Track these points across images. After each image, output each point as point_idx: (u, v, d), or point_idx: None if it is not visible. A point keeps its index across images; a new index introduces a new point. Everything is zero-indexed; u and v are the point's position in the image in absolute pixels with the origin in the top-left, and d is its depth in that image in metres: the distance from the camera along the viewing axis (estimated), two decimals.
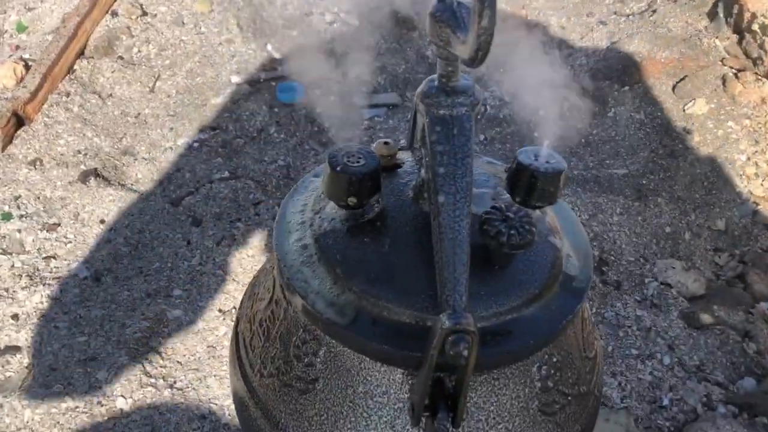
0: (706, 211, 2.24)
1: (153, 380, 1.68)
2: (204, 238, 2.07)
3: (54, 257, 1.98)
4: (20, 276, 1.92)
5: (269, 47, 2.93)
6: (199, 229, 2.10)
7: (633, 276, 2.02)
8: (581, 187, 2.26)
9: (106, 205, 2.15)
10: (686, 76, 2.52)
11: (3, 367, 1.72)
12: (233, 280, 1.93)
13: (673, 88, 2.51)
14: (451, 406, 0.72)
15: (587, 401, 0.91)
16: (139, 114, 2.56)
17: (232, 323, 0.99)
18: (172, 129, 2.48)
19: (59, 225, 2.09)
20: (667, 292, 1.97)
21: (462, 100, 0.76)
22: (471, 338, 0.67)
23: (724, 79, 2.49)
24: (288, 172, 2.33)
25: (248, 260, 1.99)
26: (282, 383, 0.85)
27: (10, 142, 2.36)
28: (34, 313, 1.82)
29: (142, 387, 1.67)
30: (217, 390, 1.68)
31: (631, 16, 2.88)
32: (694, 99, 2.45)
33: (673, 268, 2.03)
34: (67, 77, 2.65)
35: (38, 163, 2.28)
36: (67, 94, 2.57)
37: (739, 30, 2.57)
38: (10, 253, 2.00)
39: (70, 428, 1.60)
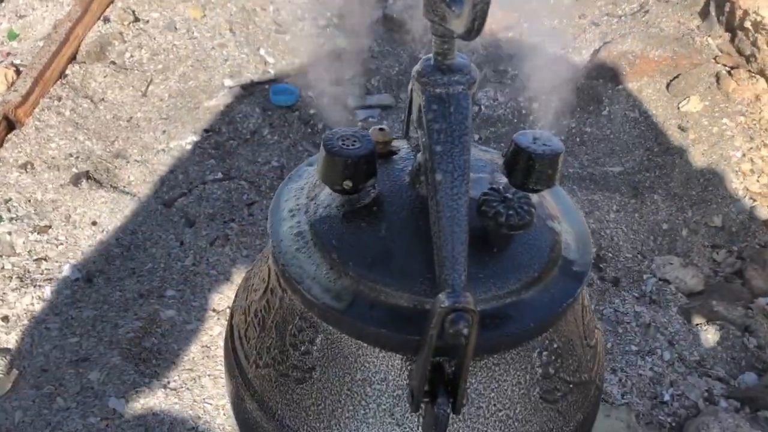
0: (703, 207, 2.23)
1: (146, 380, 1.66)
2: (197, 238, 2.05)
3: (45, 259, 1.95)
4: (10, 278, 1.90)
5: (262, 51, 2.92)
6: (192, 229, 2.08)
7: (631, 272, 2.01)
8: (577, 185, 2.26)
9: (98, 207, 2.13)
10: (680, 74, 2.52)
11: None
12: (227, 280, 1.91)
13: (667, 86, 2.51)
14: (451, 392, 0.70)
15: (589, 390, 0.89)
16: (131, 118, 2.54)
17: (227, 322, 0.97)
18: (164, 132, 2.47)
19: (50, 227, 2.06)
20: (665, 288, 1.95)
21: (458, 78, 0.75)
22: (471, 317, 0.65)
23: (717, 77, 2.50)
24: (282, 173, 2.32)
25: (242, 260, 1.97)
26: (278, 373, 0.83)
27: (1, 145, 2.34)
28: (24, 315, 1.80)
29: (135, 387, 1.64)
30: (212, 390, 1.66)
31: (623, 17, 2.89)
32: (688, 97, 2.45)
33: (671, 264, 2.02)
34: (58, 82, 2.63)
35: (29, 166, 2.26)
36: (59, 99, 2.55)
37: (732, 28, 2.58)
38: (1, 256, 1.98)
39: (61, 430, 1.57)
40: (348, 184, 0.78)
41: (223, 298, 1.87)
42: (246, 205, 2.16)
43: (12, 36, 2.92)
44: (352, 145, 0.78)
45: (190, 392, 1.64)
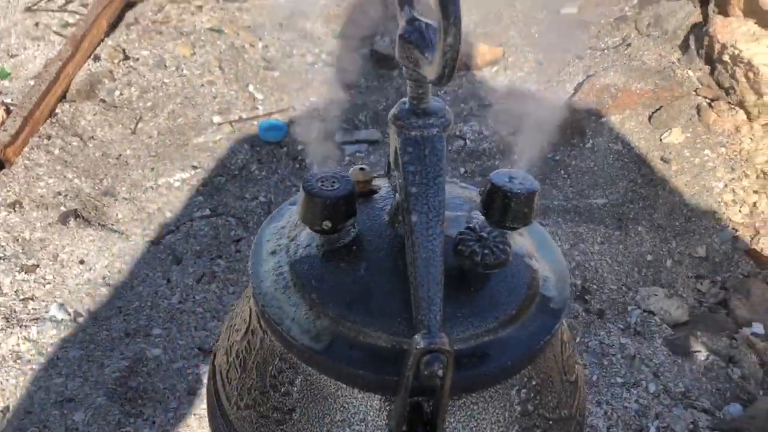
0: (687, 238, 2.25)
1: (132, 420, 1.65)
2: (184, 275, 2.05)
3: (32, 299, 1.95)
4: None
5: (251, 88, 2.95)
6: (180, 267, 2.08)
7: (616, 304, 2.02)
8: (562, 217, 2.28)
9: (86, 245, 2.14)
10: (661, 106, 2.57)
11: None
12: (213, 317, 1.91)
13: (649, 118, 2.55)
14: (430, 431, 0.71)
15: (569, 426, 0.89)
16: (120, 155, 2.56)
17: (210, 362, 0.97)
18: (153, 169, 2.48)
19: (38, 266, 2.06)
20: (650, 320, 1.96)
21: (433, 121, 0.77)
22: (446, 358, 0.66)
23: (698, 109, 2.54)
24: (269, 209, 2.33)
25: (229, 297, 1.97)
26: (259, 415, 0.84)
27: None
28: (9, 356, 1.79)
29: (120, 428, 1.63)
30: (197, 429, 1.65)
31: (606, 50, 2.95)
32: (670, 129, 2.49)
33: (656, 295, 2.04)
34: (48, 120, 2.65)
35: (18, 205, 2.27)
36: (48, 137, 2.57)
37: (711, 61, 2.63)
38: None
39: None
40: (327, 224, 0.79)
41: (209, 335, 1.87)
42: (233, 241, 2.17)
43: (3, 75, 2.95)
44: (331, 186, 0.79)
45: None
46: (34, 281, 2.01)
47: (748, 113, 2.46)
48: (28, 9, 3.34)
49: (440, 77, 0.67)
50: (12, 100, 2.75)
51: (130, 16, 3.30)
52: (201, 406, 1.70)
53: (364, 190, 0.91)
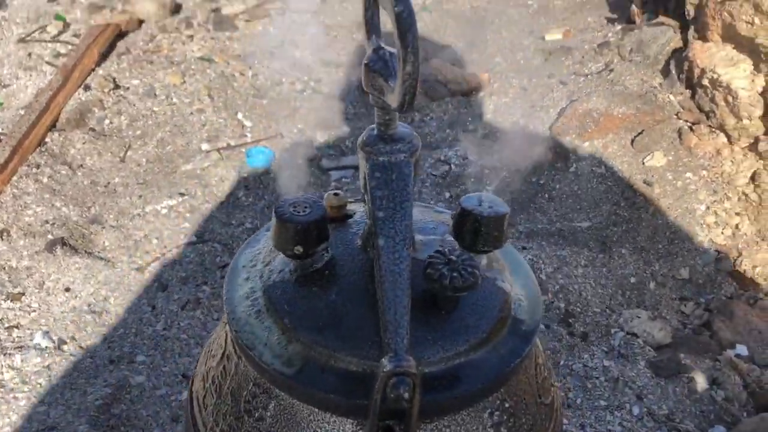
0: (670, 260, 2.27)
1: None
2: (169, 302, 2.06)
3: (17, 327, 1.95)
4: None
5: (239, 115, 2.98)
6: (165, 293, 2.09)
7: (599, 327, 2.03)
8: (545, 240, 2.29)
9: (72, 273, 2.14)
10: (644, 130, 2.59)
11: None
12: (198, 344, 1.91)
13: (632, 142, 2.58)
14: None
15: None
16: (108, 183, 2.58)
17: (188, 389, 0.97)
18: (141, 197, 2.50)
19: (24, 294, 2.07)
20: (633, 342, 1.97)
21: (400, 147, 0.79)
22: (412, 380, 0.67)
23: (679, 133, 2.57)
24: None
25: (213, 323, 1.98)
26: None
27: None
28: None
29: None
30: None
31: (589, 76, 2.99)
32: (652, 152, 2.52)
33: (639, 317, 2.04)
34: (37, 149, 2.67)
35: (5, 234, 2.28)
36: (37, 166, 2.59)
37: (691, 85, 2.67)
38: None
39: None
40: (299, 249, 0.80)
41: (193, 362, 1.87)
42: (219, 267, 2.18)
43: None
44: (303, 211, 0.81)
45: None
46: (20, 309, 2.02)
47: (728, 136, 2.49)
48: (21, 40, 3.39)
49: (401, 104, 0.69)
50: (2, 129, 2.77)
51: (121, 45, 3.35)
52: None
53: (339, 215, 0.92)
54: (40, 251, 2.21)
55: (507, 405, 0.83)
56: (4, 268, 2.16)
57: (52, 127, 2.82)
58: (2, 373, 1.81)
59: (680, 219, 2.36)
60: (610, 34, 3.22)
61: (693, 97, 2.66)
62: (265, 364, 0.77)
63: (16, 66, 3.19)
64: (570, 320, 2.04)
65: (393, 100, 0.72)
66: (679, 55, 2.81)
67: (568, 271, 2.17)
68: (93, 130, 2.83)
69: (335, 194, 0.92)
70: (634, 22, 3.22)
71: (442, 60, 3.23)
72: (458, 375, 0.76)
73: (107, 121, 2.88)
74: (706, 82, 2.54)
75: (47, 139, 2.73)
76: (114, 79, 3.10)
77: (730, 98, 2.44)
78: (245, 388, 0.84)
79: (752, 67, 2.45)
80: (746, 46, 2.47)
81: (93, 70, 3.15)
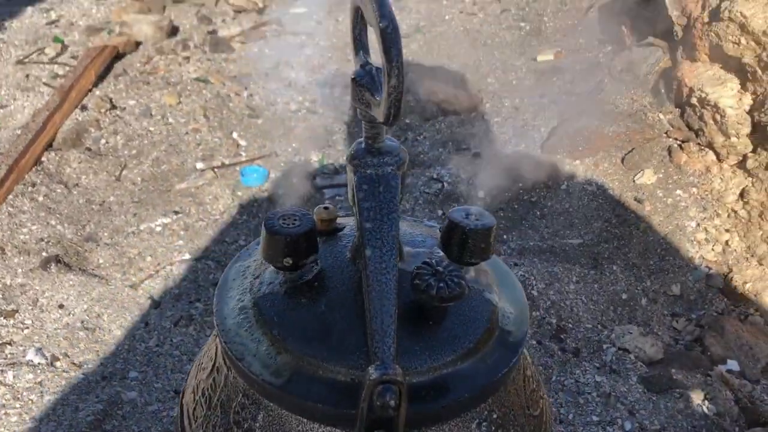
0: (661, 276, 2.28)
1: None
2: (162, 319, 2.06)
3: (10, 343, 1.96)
4: None
5: (235, 135, 3.01)
6: (158, 310, 2.10)
7: (591, 343, 2.04)
8: (537, 257, 2.31)
9: (66, 290, 2.15)
10: (634, 148, 2.62)
11: None
12: (190, 360, 1.92)
13: (623, 160, 2.61)
14: None
15: None
16: (103, 202, 2.59)
17: (178, 402, 0.98)
18: (135, 215, 2.52)
19: (17, 311, 2.07)
20: (625, 358, 1.98)
21: (388, 160, 0.80)
22: (398, 388, 0.67)
23: (669, 150, 2.60)
24: None
25: (205, 339, 1.98)
26: None
27: None
28: None
29: None
30: None
31: (580, 95, 3.03)
32: (643, 170, 2.55)
33: (630, 333, 2.05)
34: (34, 168, 2.69)
35: (0, 251, 2.29)
36: (33, 185, 2.60)
37: (680, 104, 2.71)
38: None
39: None
40: (288, 261, 0.81)
41: (186, 378, 1.87)
42: (212, 284, 2.19)
43: None
44: (293, 223, 0.82)
45: None
46: (13, 326, 2.02)
47: (717, 154, 2.52)
48: (20, 62, 3.42)
49: (387, 117, 0.70)
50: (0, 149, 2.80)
51: (118, 67, 3.39)
52: None
53: (329, 228, 0.93)
54: (34, 268, 2.22)
55: (495, 416, 0.84)
56: None
57: (49, 146, 2.84)
58: None
59: (671, 236, 2.38)
60: (600, 55, 3.26)
61: (682, 115, 2.70)
62: (254, 374, 0.77)
63: (14, 87, 3.22)
64: (562, 336, 2.05)
65: (379, 113, 0.73)
66: (668, 74, 2.85)
67: (560, 287, 2.18)
68: (89, 149, 2.85)
69: (325, 208, 0.93)
70: (624, 43, 3.27)
71: (435, 80, 3.27)
72: (445, 385, 0.76)
73: (103, 141, 2.90)
74: (694, 100, 2.58)
75: (43, 159, 2.75)
76: (111, 99, 3.13)
77: (718, 116, 2.48)
78: (234, 400, 0.84)
79: (739, 85, 2.49)
80: (733, 65, 2.51)
81: (90, 90, 3.18)
